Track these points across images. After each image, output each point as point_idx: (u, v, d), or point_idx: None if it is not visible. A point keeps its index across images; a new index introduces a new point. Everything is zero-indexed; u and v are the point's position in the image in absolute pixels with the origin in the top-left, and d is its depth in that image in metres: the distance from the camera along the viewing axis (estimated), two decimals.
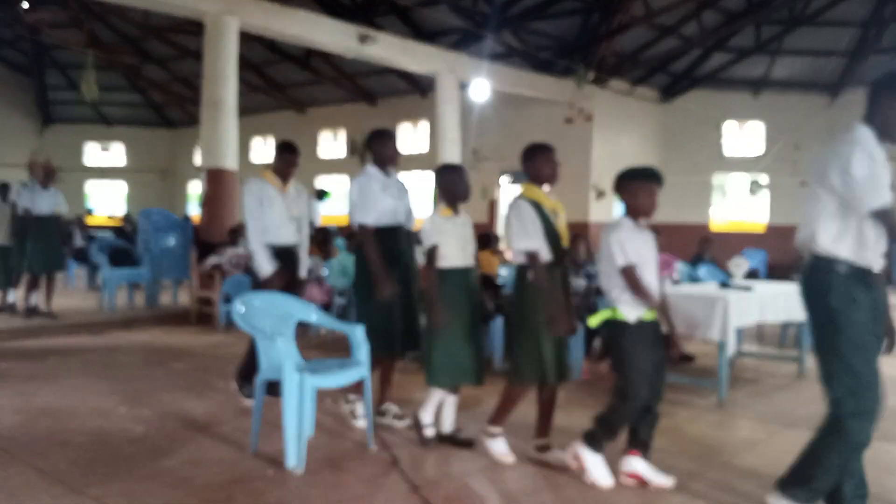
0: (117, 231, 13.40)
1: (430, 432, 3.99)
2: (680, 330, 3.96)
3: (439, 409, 4.04)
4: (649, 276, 3.45)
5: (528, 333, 3.63)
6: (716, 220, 16.63)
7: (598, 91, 15.07)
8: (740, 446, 4.09)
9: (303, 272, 5.05)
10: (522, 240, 3.63)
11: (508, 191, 15.97)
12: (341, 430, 4.23)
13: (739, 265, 7.21)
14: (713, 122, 13.38)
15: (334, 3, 14.97)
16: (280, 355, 3.60)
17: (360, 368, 3.85)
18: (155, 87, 22.24)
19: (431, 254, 3.86)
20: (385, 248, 4.18)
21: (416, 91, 17.90)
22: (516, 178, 15.55)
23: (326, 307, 7.57)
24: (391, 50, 12.40)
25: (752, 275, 8.44)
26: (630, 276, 3.38)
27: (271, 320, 3.89)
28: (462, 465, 3.66)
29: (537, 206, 3.66)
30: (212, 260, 8.62)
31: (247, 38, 11.97)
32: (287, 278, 4.77)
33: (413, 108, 17.65)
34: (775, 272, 13.56)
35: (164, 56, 19.40)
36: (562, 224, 3.76)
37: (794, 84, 16.32)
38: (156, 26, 17.34)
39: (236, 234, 9.09)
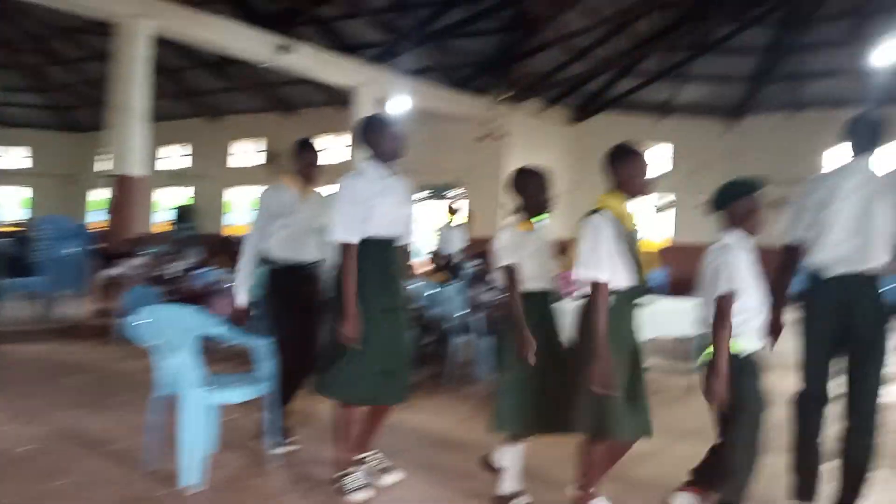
0: (18, 238, 12.71)
1: (525, 500, 3.39)
2: None
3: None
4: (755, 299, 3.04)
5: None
6: None
7: (512, 110, 15.39)
8: (636, 458, 4.21)
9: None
10: (589, 266, 3.02)
11: (425, 206, 16.08)
12: (249, 446, 4.16)
13: None
14: None
15: (253, 11, 14.76)
16: (177, 370, 3.51)
17: (261, 384, 3.79)
18: (61, 88, 21.33)
19: (510, 274, 3.31)
20: (376, 267, 3.38)
21: (337, 102, 17.79)
22: (434, 193, 15.68)
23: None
24: (309, 61, 12.36)
25: (652, 291, 8.73)
26: (723, 307, 2.93)
27: (171, 334, 3.78)
28: None
29: (617, 226, 3.07)
30: (112, 270, 8.31)
31: (158, 42, 11.66)
32: (305, 300, 4.07)
33: (333, 119, 17.56)
34: (677, 288, 14.15)
35: (70, 57, 18.65)
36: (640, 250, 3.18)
37: (699, 108, 17.10)
38: (62, 26, 16.67)
39: (138, 243, 8.81)
